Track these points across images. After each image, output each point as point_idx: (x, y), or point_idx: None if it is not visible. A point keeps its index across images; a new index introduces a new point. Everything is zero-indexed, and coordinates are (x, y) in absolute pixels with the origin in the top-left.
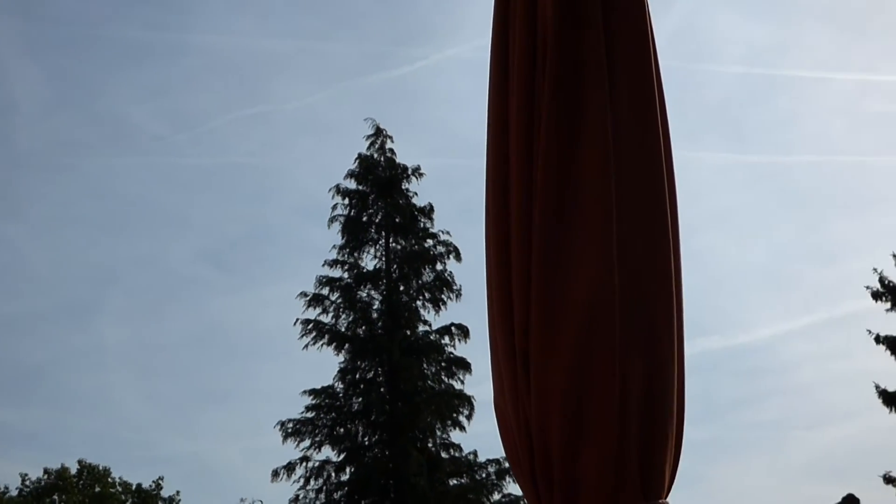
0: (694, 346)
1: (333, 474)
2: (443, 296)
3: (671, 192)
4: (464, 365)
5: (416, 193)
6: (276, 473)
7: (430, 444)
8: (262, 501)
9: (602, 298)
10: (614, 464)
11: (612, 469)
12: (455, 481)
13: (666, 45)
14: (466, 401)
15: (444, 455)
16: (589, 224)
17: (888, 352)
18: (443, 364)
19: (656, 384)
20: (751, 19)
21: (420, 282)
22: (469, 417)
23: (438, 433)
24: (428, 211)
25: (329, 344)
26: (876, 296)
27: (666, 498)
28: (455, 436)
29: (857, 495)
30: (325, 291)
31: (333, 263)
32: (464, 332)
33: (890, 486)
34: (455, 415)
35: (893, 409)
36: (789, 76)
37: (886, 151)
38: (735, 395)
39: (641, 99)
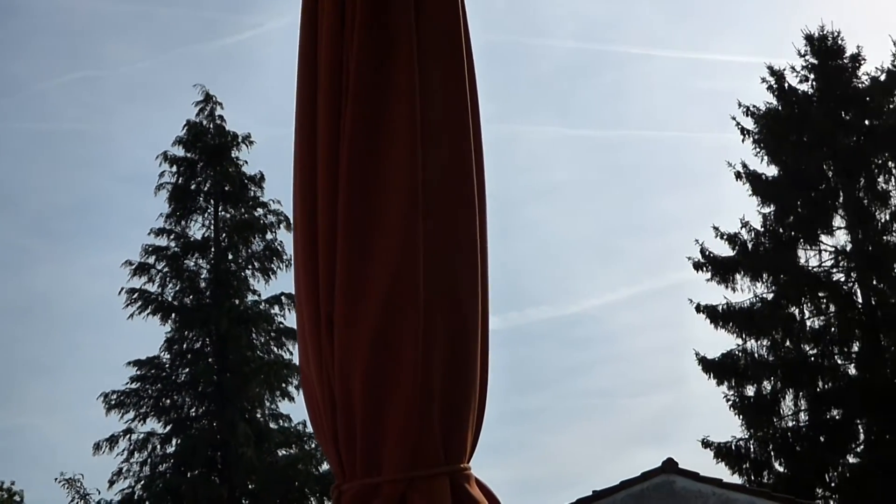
0: (525, 317)
1: (158, 446)
2: (273, 265)
3: (479, 167)
4: (293, 335)
5: (246, 162)
6: (97, 447)
7: (258, 415)
8: (82, 475)
9: (406, 265)
10: (416, 430)
11: (414, 435)
12: (284, 452)
13: (500, 19)
14: (296, 371)
15: (272, 426)
16: (395, 193)
17: (708, 320)
18: (272, 334)
19: (459, 352)
20: None
21: (249, 251)
22: (298, 388)
23: (267, 403)
24: (258, 179)
25: (155, 314)
26: (697, 266)
27: (468, 462)
28: (284, 406)
29: (675, 459)
30: (152, 260)
31: (160, 232)
32: (294, 301)
33: (708, 450)
34: (284, 385)
35: (712, 375)
36: (618, 52)
37: (710, 129)
38: (565, 364)
39: (452, 76)
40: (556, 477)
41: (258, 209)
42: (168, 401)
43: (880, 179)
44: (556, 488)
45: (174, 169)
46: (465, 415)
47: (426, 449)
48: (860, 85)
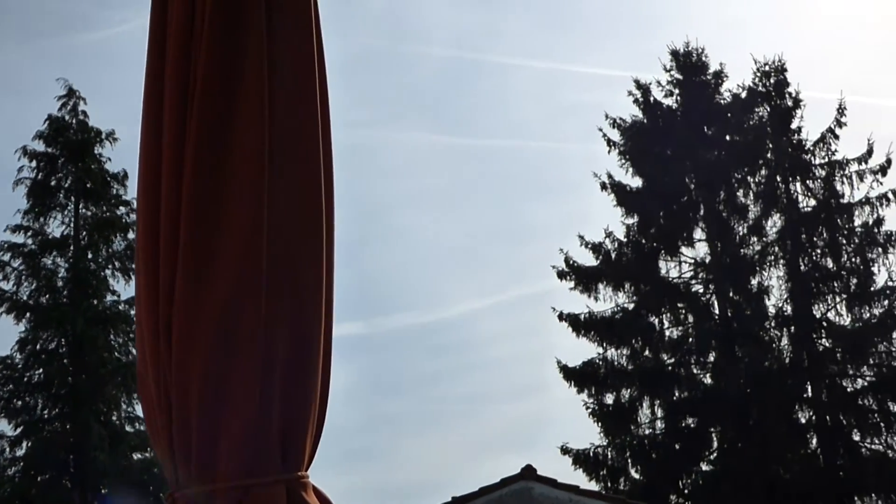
0: (391, 322)
1: (8, 449)
2: (134, 265)
3: (327, 172)
4: None
5: (109, 159)
6: None
7: (114, 418)
8: None
9: (248, 273)
10: (253, 437)
11: (251, 442)
12: (139, 455)
13: (375, 25)
14: None
15: (128, 429)
16: (239, 197)
17: (570, 329)
18: (131, 335)
19: (300, 359)
20: (459, 4)
21: (110, 250)
22: None
23: (124, 406)
24: (122, 177)
25: (8, 313)
26: (561, 275)
27: (306, 470)
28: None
29: (535, 466)
30: (7, 258)
31: (17, 229)
32: None
33: (567, 457)
34: None
35: (573, 383)
36: (491, 61)
37: (578, 140)
38: (430, 370)
39: (303, 80)
40: (417, 483)
41: (120, 207)
42: (19, 402)
43: (739, 193)
44: (417, 494)
45: (34, 164)
46: (304, 423)
47: (263, 456)
48: (722, 101)
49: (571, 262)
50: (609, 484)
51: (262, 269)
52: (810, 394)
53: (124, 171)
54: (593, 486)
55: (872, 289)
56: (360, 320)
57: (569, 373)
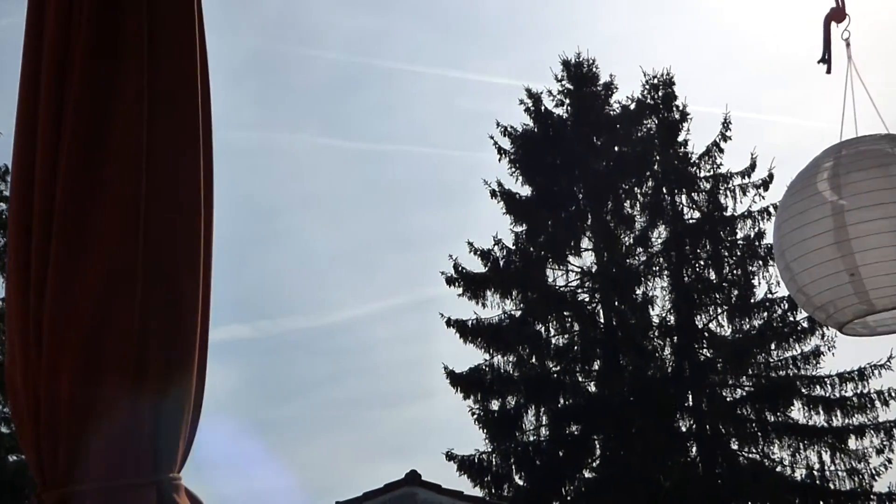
0: (279, 326)
1: None
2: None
3: (207, 172)
4: None
5: None
6: None
7: None
8: None
9: (122, 271)
10: (124, 437)
11: (122, 442)
12: (14, 457)
13: (270, 27)
14: None
15: (3, 429)
16: (113, 197)
17: (457, 335)
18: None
19: (174, 359)
20: (353, 7)
21: None
22: None
23: (1, 406)
24: (3, 173)
25: None
26: (450, 281)
27: (179, 472)
28: None
29: (420, 471)
30: None
31: None
32: None
33: (452, 463)
34: None
35: (459, 389)
36: (385, 67)
37: (470, 147)
38: (317, 375)
39: (182, 80)
40: (301, 488)
41: (2, 203)
42: None
43: (626, 204)
44: (302, 499)
45: None
46: (177, 423)
47: (134, 457)
48: (612, 112)
49: (460, 268)
50: (493, 490)
51: (136, 269)
52: (691, 403)
53: (6, 166)
54: (477, 492)
55: (752, 301)
56: (246, 323)
57: (455, 379)
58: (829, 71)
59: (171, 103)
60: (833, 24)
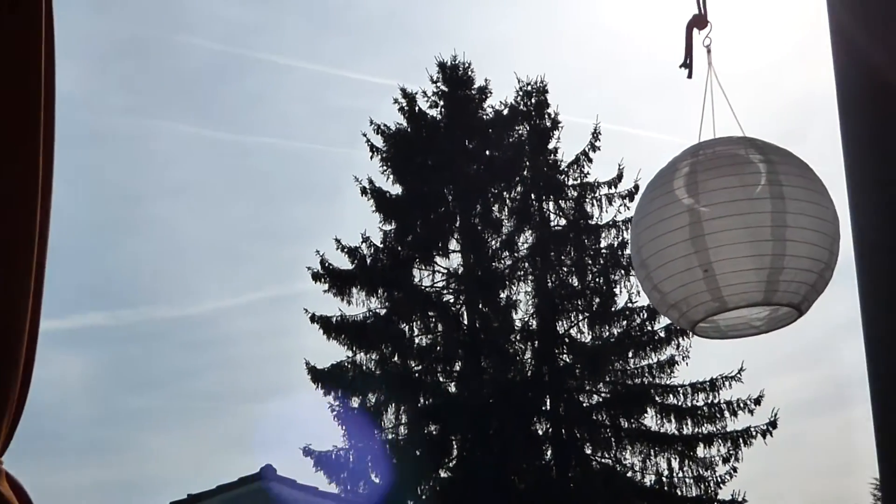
0: (140, 314)
1: None
2: None
3: (47, 152)
4: None
5: None
6: None
7: None
8: None
9: None
10: None
11: None
12: None
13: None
14: None
15: None
16: None
17: (321, 331)
18: None
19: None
20: None
21: None
22: None
23: None
24: None
25: None
26: (316, 277)
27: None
28: None
29: (277, 466)
30: None
31: None
32: None
33: (309, 458)
34: None
35: (320, 385)
36: (261, 59)
37: (343, 144)
38: (177, 366)
39: (23, 67)
40: (155, 479)
41: None
42: None
43: (495, 208)
44: (154, 490)
45: None
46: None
47: None
48: (485, 116)
49: (327, 264)
50: (349, 487)
51: None
52: (549, 407)
53: None
54: (333, 488)
55: (613, 309)
56: (104, 310)
57: (317, 375)
58: (689, 76)
59: (8, 89)
60: (695, 30)
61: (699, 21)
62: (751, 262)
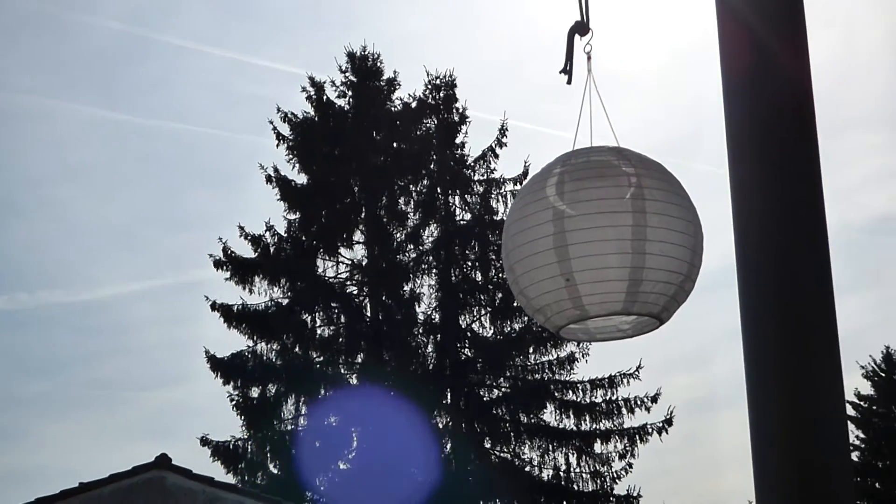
0: (37, 299)
1: None
2: None
3: None
4: None
5: None
6: None
7: None
8: None
9: None
10: None
11: None
12: None
13: None
14: None
15: None
16: None
17: (222, 319)
18: None
19: None
20: None
21: None
22: None
23: None
24: None
25: None
26: (218, 264)
27: None
28: None
29: (173, 455)
30: None
31: None
32: None
33: (206, 448)
34: None
35: (219, 374)
36: (168, 42)
37: (249, 131)
38: (73, 352)
39: None
40: (47, 467)
41: None
42: None
43: (401, 201)
44: (45, 479)
45: None
46: None
47: None
48: (393, 108)
49: (229, 252)
50: (247, 477)
51: None
52: (449, 400)
53: None
54: (230, 478)
55: (515, 304)
56: (1, 294)
57: (216, 364)
58: (569, 81)
59: None
60: (577, 36)
61: (581, 28)
62: (611, 272)
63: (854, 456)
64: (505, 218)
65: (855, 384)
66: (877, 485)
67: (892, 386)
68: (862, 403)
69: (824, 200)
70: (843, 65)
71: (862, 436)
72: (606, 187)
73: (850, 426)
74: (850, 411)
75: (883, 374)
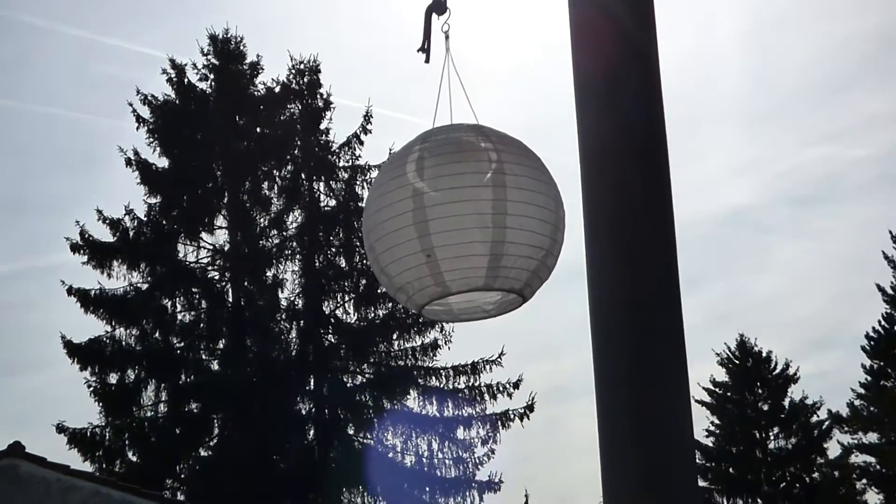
0: None
1: None
2: None
3: None
4: None
5: None
6: None
7: None
8: None
9: None
10: None
11: None
12: None
13: None
14: None
15: None
16: None
17: (79, 304)
18: None
19: None
20: None
21: None
22: None
23: None
24: None
25: None
26: (75, 248)
27: None
28: None
29: (27, 443)
30: None
31: None
32: None
33: (62, 435)
34: None
35: (76, 360)
36: (20, 21)
37: (108, 113)
38: None
39: None
40: None
41: None
42: None
43: (265, 186)
44: None
45: None
46: None
47: None
48: (256, 93)
49: (87, 236)
50: (104, 465)
51: None
52: (313, 387)
53: None
54: (87, 466)
55: (379, 291)
56: None
57: (73, 349)
58: (427, 60)
59: None
60: (434, 15)
61: (438, 6)
62: (472, 248)
63: (709, 442)
64: None
65: (710, 371)
66: (730, 469)
67: (745, 373)
68: (717, 390)
69: (672, 197)
70: (701, 61)
71: (717, 422)
72: (466, 163)
73: (705, 412)
74: (704, 398)
75: (737, 361)
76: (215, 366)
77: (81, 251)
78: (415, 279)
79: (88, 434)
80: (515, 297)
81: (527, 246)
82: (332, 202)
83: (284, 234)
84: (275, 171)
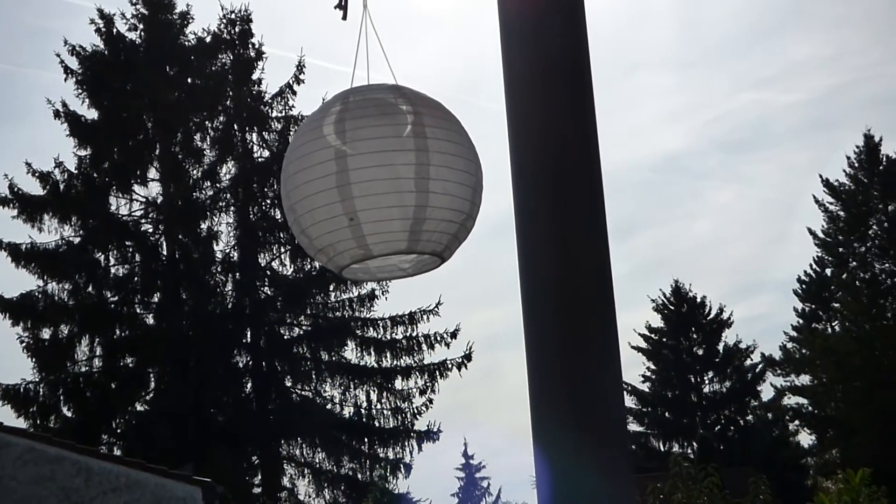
0: None
1: None
2: None
3: None
4: None
5: None
6: None
7: None
8: None
9: None
10: None
11: None
12: None
13: None
14: None
15: None
16: None
17: (9, 258)
18: None
19: None
20: None
21: None
22: None
23: None
24: None
25: None
26: (4, 202)
27: None
28: None
29: None
30: None
31: None
32: None
33: None
34: None
35: (7, 315)
36: None
37: (35, 65)
38: None
39: None
40: None
41: None
42: None
43: (196, 137)
44: None
45: None
46: None
47: None
48: (187, 43)
49: (16, 189)
50: (39, 421)
51: None
52: (249, 339)
53: None
54: (21, 423)
55: None
56: None
57: (4, 304)
58: (344, 17)
59: None
60: None
61: None
62: (395, 212)
63: (645, 387)
64: None
65: (646, 317)
66: (666, 414)
67: (680, 318)
68: (652, 336)
69: (598, 144)
70: (636, 7)
71: (653, 367)
72: (386, 125)
73: (641, 358)
74: (640, 343)
75: (672, 308)
76: (150, 320)
77: (11, 205)
78: (336, 241)
79: (22, 390)
80: (434, 257)
81: (448, 210)
82: (266, 153)
83: (218, 185)
84: (207, 123)
